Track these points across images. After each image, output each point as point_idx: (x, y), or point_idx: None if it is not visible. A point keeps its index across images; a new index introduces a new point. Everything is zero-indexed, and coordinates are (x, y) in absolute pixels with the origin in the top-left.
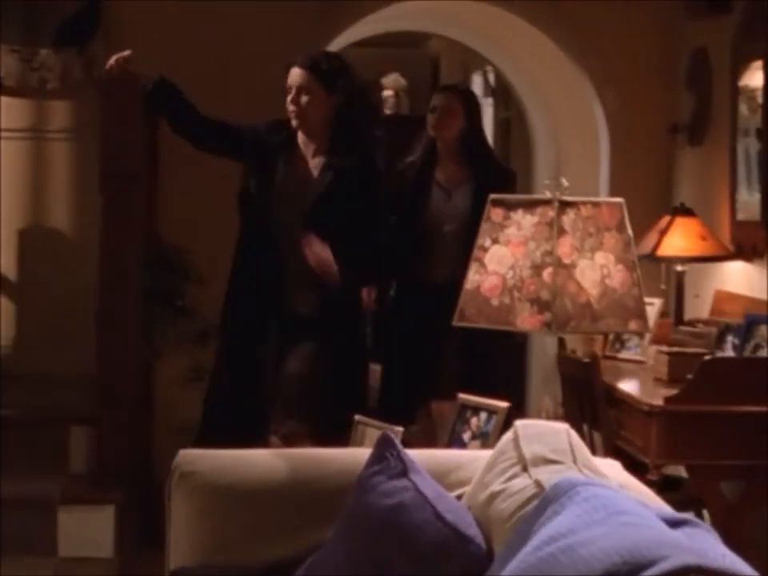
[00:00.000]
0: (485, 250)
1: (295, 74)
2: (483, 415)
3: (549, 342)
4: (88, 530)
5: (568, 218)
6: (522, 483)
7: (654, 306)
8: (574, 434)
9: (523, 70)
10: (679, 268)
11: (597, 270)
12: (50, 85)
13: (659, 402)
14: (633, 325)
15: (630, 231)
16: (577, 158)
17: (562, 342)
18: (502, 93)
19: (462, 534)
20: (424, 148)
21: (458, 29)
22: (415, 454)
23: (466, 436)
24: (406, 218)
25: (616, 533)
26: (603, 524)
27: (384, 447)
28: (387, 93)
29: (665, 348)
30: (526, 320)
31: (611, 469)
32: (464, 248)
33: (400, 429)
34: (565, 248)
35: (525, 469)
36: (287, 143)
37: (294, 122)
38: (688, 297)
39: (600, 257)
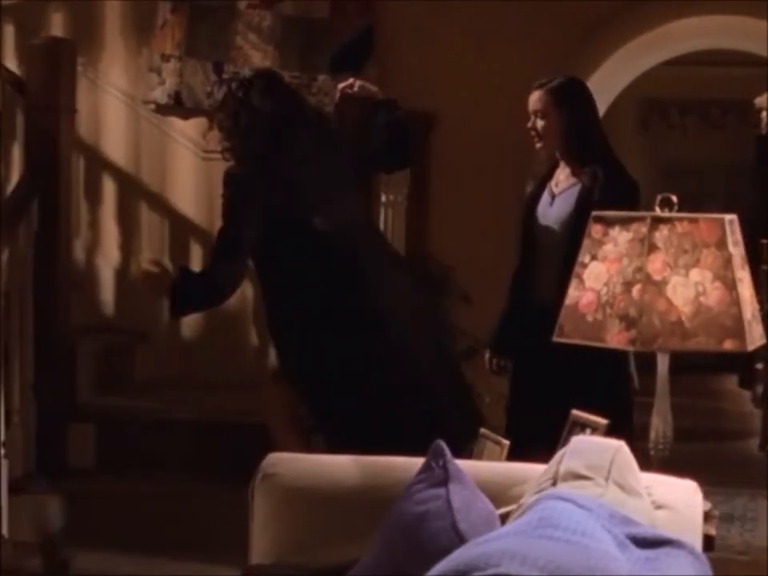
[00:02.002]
0: (584, 266)
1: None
2: (588, 432)
3: (661, 360)
4: None
5: (661, 234)
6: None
7: None
8: (625, 451)
9: None
10: None
11: (691, 288)
12: (327, 108)
13: None
14: (728, 344)
15: (731, 248)
16: None
17: None
18: None
19: None
20: (549, 155)
21: None
22: (483, 467)
23: None
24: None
25: (502, 544)
26: (517, 535)
27: (432, 456)
28: (764, 113)
29: None
30: (614, 336)
31: (680, 489)
32: (564, 263)
33: (507, 442)
34: (656, 264)
35: (554, 483)
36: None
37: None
38: None
39: (695, 274)
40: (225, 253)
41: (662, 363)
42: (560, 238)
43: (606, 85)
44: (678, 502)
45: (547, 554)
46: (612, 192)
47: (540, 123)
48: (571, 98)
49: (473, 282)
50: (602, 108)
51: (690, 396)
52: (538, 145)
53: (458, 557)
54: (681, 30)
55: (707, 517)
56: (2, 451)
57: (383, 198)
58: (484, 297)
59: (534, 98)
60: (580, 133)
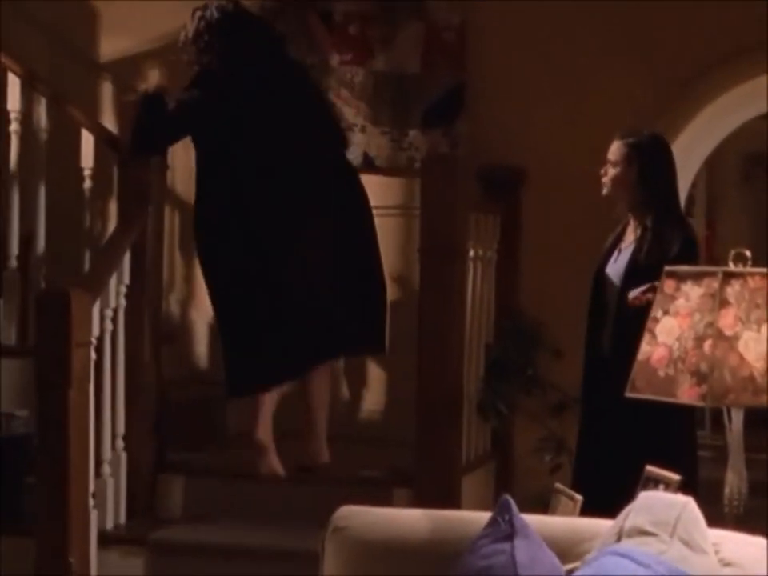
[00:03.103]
0: (657, 321)
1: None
2: (661, 488)
3: (735, 416)
4: None
5: (733, 289)
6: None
7: None
8: (692, 507)
9: None
10: None
11: (763, 343)
12: (418, 164)
13: None
14: None
15: None
16: None
17: None
18: None
19: None
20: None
21: None
22: (551, 522)
23: None
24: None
25: None
26: None
27: (499, 511)
28: None
29: None
30: (685, 392)
31: (749, 547)
32: (616, 318)
33: (579, 498)
34: (727, 319)
35: (619, 539)
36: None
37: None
38: None
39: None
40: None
41: (736, 419)
42: (616, 293)
43: (700, 140)
44: (747, 559)
45: None
46: (663, 249)
47: (611, 172)
48: (645, 154)
49: (563, 336)
50: (698, 163)
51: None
52: (604, 191)
53: None
54: None
55: None
56: (92, 502)
57: (471, 254)
58: (574, 351)
59: (612, 148)
60: (647, 189)
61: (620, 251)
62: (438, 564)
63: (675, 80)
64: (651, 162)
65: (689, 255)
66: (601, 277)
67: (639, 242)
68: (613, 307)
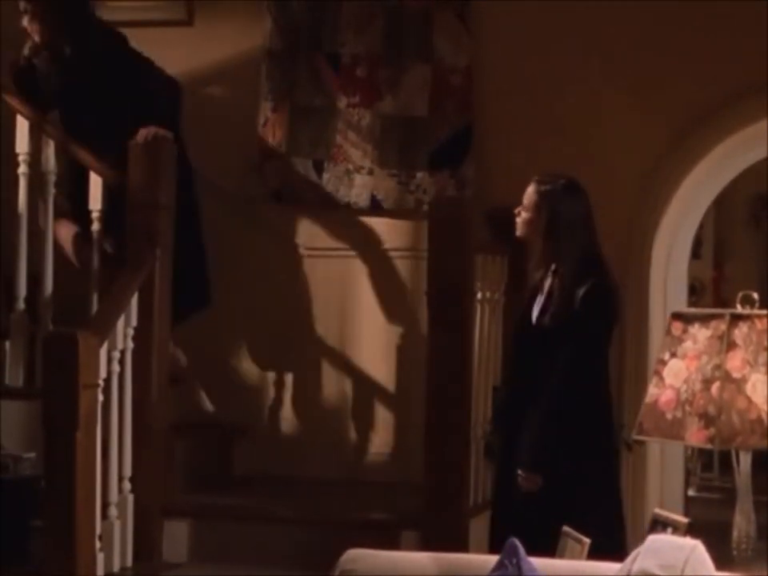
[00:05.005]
0: (664, 363)
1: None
2: (669, 530)
3: (743, 458)
4: None
5: (740, 331)
6: None
7: None
8: (701, 550)
9: None
10: None
11: None
12: (425, 206)
13: None
14: None
15: None
16: None
17: None
18: None
19: None
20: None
21: None
22: (558, 565)
23: None
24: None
25: None
26: None
27: (506, 554)
28: None
29: None
30: (693, 435)
31: None
32: (534, 361)
33: (587, 540)
34: (735, 362)
35: None
36: None
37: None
38: None
39: None
40: None
41: (744, 461)
42: (535, 337)
43: (707, 181)
44: None
45: None
46: (561, 288)
47: (523, 215)
48: (555, 205)
49: None
50: (705, 204)
51: None
52: (517, 232)
53: None
54: None
55: None
56: (98, 545)
57: (479, 295)
58: None
59: (528, 190)
60: (555, 241)
61: (541, 294)
62: None
63: (683, 121)
64: (561, 213)
65: (593, 303)
66: (525, 319)
67: (545, 301)
68: (533, 350)
